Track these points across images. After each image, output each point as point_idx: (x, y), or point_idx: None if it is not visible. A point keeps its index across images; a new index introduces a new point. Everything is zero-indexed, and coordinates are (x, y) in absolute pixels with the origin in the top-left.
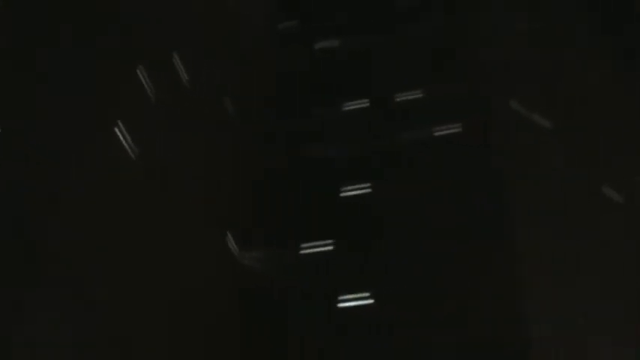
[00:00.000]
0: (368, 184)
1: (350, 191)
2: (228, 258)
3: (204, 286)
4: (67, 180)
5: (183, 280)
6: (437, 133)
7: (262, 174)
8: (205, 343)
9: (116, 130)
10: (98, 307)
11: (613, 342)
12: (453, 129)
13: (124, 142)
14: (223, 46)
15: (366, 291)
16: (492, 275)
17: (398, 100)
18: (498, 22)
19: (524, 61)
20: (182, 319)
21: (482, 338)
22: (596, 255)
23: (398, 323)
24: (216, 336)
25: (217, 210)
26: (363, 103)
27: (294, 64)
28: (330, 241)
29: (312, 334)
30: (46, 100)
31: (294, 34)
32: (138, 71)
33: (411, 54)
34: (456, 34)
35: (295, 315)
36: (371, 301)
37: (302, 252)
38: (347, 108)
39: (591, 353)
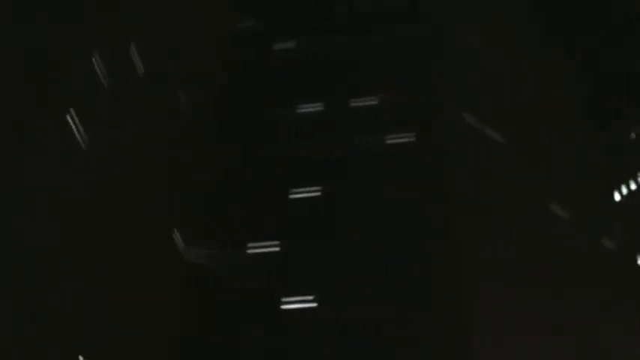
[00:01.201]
0: (318, 187)
1: (300, 193)
2: (175, 253)
3: (149, 278)
4: (16, 166)
5: (128, 270)
6: (389, 141)
7: (214, 171)
8: (148, 333)
9: (68, 117)
10: (45, 287)
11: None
12: (406, 138)
13: (75, 130)
14: (181, 42)
15: (310, 294)
16: (436, 283)
17: (353, 105)
18: (457, 36)
19: (480, 75)
20: (125, 308)
21: (425, 343)
22: (537, 267)
23: (340, 328)
24: (161, 328)
25: (165, 205)
26: (317, 107)
27: (250, 63)
28: (277, 242)
29: (255, 333)
30: None
31: (251, 34)
32: (93, 59)
33: (369, 61)
34: (415, 45)
35: (239, 313)
36: (314, 304)
37: (249, 251)
38: (301, 110)
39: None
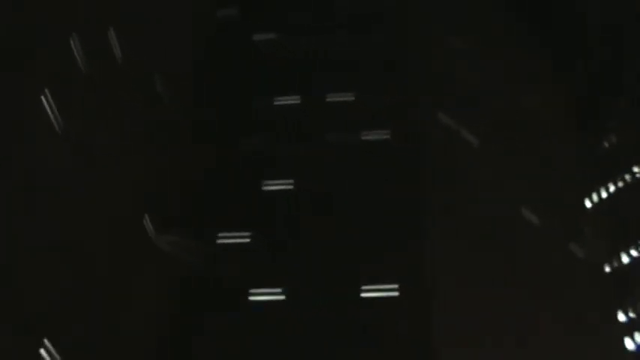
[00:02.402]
0: (291, 181)
1: (273, 186)
2: (145, 239)
3: (118, 265)
4: None
5: (97, 257)
6: (365, 137)
7: (188, 160)
8: (116, 321)
9: (43, 100)
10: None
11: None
12: (382, 135)
13: (50, 114)
14: (160, 29)
15: (279, 287)
16: (404, 281)
17: (329, 100)
18: (435, 38)
19: (456, 76)
20: (93, 295)
21: (391, 339)
22: (505, 271)
23: (307, 322)
24: (129, 317)
25: (137, 190)
26: (294, 100)
27: (229, 52)
28: (247, 234)
29: (222, 324)
30: None
31: (232, 23)
32: (71, 41)
33: (348, 58)
34: (394, 45)
35: (206, 303)
36: (282, 297)
37: (219, 241)
38: (278, 103)
39: None
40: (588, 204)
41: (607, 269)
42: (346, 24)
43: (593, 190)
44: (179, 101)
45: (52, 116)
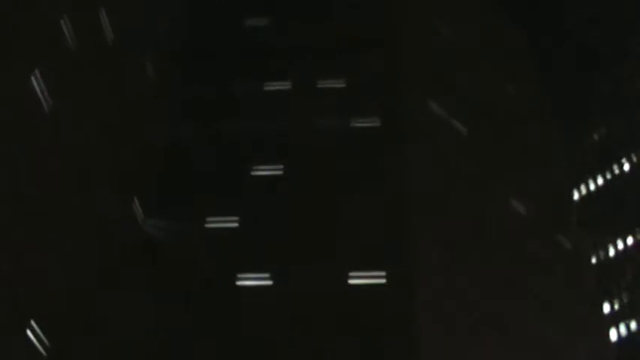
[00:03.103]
0: (281, 166)
1: (262, 171)
2: (134, 222)
3: (105, 246)
4: None
5: (84, 238)
6: (354, 124)
7: (177, 143)
8: (104, 301)
9: (32, 78)
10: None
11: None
12: (371, 122)
13: (39, 92)
14: (150, 10)
15: (266, 272)
16: (389, 268)
17: (320, 86)
18: (426, 26)
19: (449, 67)
20: (81, 275)
21: (378, 326)
22: (491, 260)
23: (294, 308)
24: (117, 298)
25: (126, 173)
26: (284, 85)
27: (219, 36)
28: (235, 218)
29: (209, 309)
30: None
31: (223, 7)
32: (62, 22)
33: (339, 45)
34: (384, 31)
35: (192, 286)
36: (270, 282)
37: (207, 225)
38: (268, 88)
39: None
40: (576, 196)
41: (593, 260)
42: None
43: (582, 183)
44: (169, 84)
45: (40, 94)
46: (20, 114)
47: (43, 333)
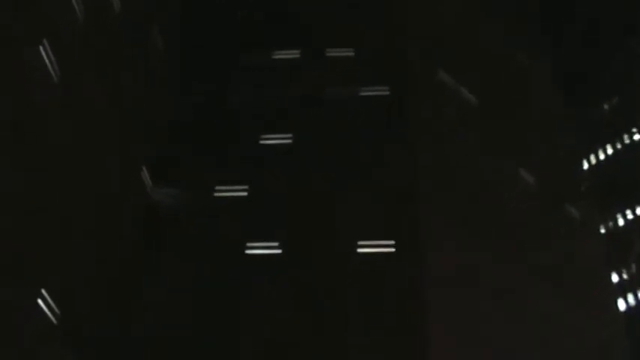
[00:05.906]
0: (289, 135)
1: (271, 139)
2: (141, 192)
3: (112, 214)
4: None
5: (92, 206)
6: (363, 93)
7: (186, 111)
8: (107, 266)
9: (41, 48)
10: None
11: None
12: (380, 91)
13: (47, 61)
14: None
15: (275, 240)
16: (398, 237)
17: (329, 55)
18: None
19: (459, 37)
20: (86, 244)
21: (387, 295)
22: (500, 230)
23: (302, 277)
24: (122, 266)
25: (135, 142)
26: (293, 54)
27: (228, 7)
28: (244, 187)
29: (219, 277)
30: None
31: None
32: None
33: (346, 13)
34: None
35: (202, 256)
36: (279, 251)
37: (216, 194)
38: (277, 56)
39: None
40: (585, 165)
41: (602, 230)
42: None
43: (591, 153)
44: (177, 54)
45: (48, 64)
46: (29, 84)
47: (54, 302)
